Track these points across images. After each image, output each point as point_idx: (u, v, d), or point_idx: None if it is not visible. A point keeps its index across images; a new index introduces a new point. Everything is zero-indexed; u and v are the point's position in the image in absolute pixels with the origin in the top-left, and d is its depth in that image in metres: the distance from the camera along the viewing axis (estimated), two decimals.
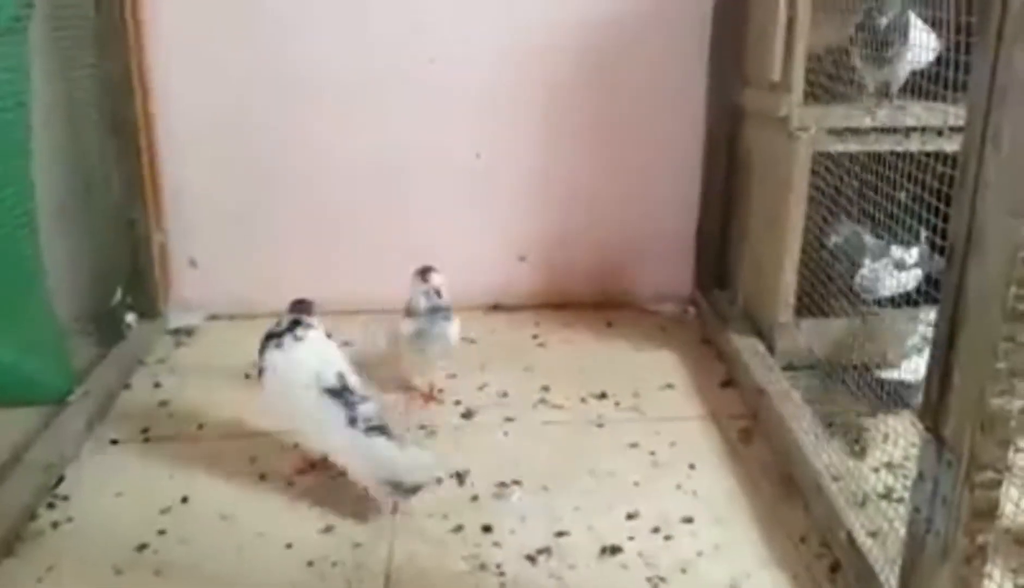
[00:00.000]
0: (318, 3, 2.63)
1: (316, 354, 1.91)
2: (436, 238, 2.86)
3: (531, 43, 2.70)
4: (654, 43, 2.72)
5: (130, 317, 2.60)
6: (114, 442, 2.10)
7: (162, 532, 1.76)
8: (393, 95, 2.71)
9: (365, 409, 1.82)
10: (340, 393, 1.83)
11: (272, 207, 2.80)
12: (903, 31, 2.03)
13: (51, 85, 2.29)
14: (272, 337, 1.94)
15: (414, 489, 1.78)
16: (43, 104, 2.20)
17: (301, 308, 1.99)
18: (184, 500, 1.87)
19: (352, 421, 1.79)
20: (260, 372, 1.93)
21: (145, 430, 2.16)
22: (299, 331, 1.92)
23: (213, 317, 2.83)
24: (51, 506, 1.84)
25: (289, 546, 1.72)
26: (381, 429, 1.80)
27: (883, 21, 2.03)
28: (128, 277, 2.63)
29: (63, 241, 2.33)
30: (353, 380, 1.89)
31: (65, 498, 1.87)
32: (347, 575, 1.64)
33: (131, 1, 2.50)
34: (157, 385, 2.40)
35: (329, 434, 1.83)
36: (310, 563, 1.67)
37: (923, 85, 1.93)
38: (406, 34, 2.67)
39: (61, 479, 1.93)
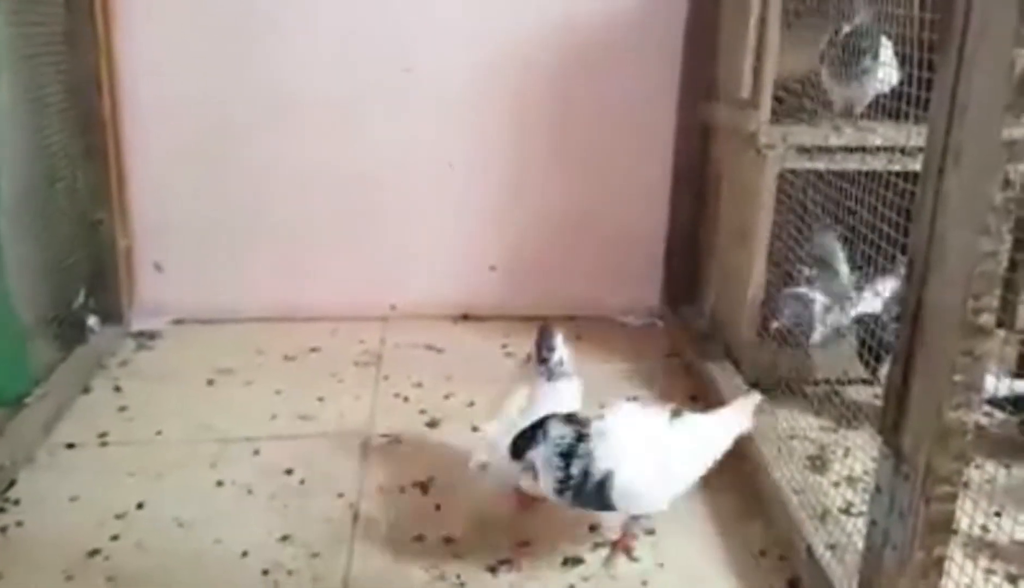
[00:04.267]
0: (292, 9, 2.62)
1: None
2: (407, 246, 2.86)
3: (505, 56, 2.71)
4: (627, 58, 2.74)
5: (92, 320, 2.55)
6: (70, 446, 2.06)
7: (115, 538, 1.72)
8: (367, 103, 2.71)
9: None
10: None
11: (241, 213, 2.77)
12: (874, 50, 2.06)
13: (17, 81, 2.25)
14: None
15: None
16: (7, 100, 2.17)
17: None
18: (140, 506, 1.83)
19: None
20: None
21: (103, 434, 2.11)
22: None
23: (178, 321, 2.79)
24: (1, 510, 1.80)
25: (245, 554, 1.68)
26: None
27: (847, 29, 2.06)
28: (92, 279, 2.59)
29: (25, 241, 2.29)
30: None
31: (16, 502, 1.83)
32: (303, 585, 1.61)
33: (102, 8, 2.47)
34: (117, 389, 2.36)
35: None
36: (265, 571, 1.63)
37: (888, 105, 1.96)
38: (381, 44, 2.67)
39: (13, 483, 1.89)
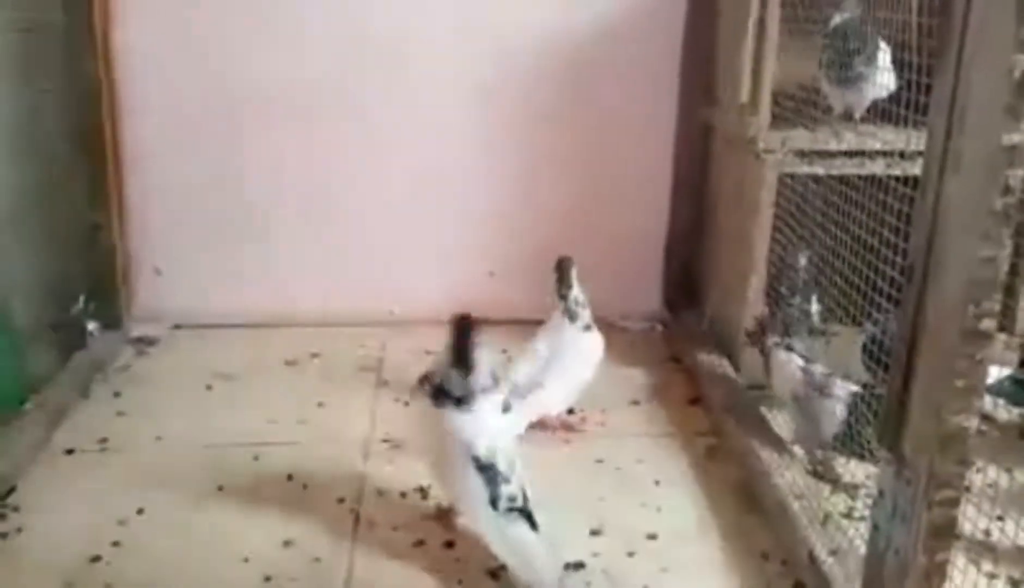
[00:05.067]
0: (291, 16, 2.62)
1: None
2: (405, 251, 2.85)
3: (504, 62, 2.72)
4: (626, 63, 2.75)
5: (92, 325, 2.55)
6: (70, 452, 2.06)
7: (116, 544, 1.72)
8: (364, 108, 2.71)
9: (509, 489, 1.62)
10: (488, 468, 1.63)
11: (239, 219, 2.77)
12: (869, 54, 2.06)
13: (15, 90, 2.25)
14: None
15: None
16: (6, 108, 2.16)
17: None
18: (140, 511, 1.82)
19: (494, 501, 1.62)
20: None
21: (103, 440, 2.11)
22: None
23: (177, 327, 2.79)
24: (1, 517, 1.79)
25: (246, 560, 1.68)
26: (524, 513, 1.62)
27: (838, 20, 2.05)
28: (91, 285, 2.59)
29: (24, 247, 2.29)
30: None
31: (16, 509, 1.82)
32: None
33: (100, 10, 2.48)
34: (117, 395, 2.36)
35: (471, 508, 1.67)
36: (267, 578, 1.63)
37: (888, 109, 1.96)
38: (381, 49, 2.67)
39: (13, 489, 1.88)
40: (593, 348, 2.16)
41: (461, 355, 1.70)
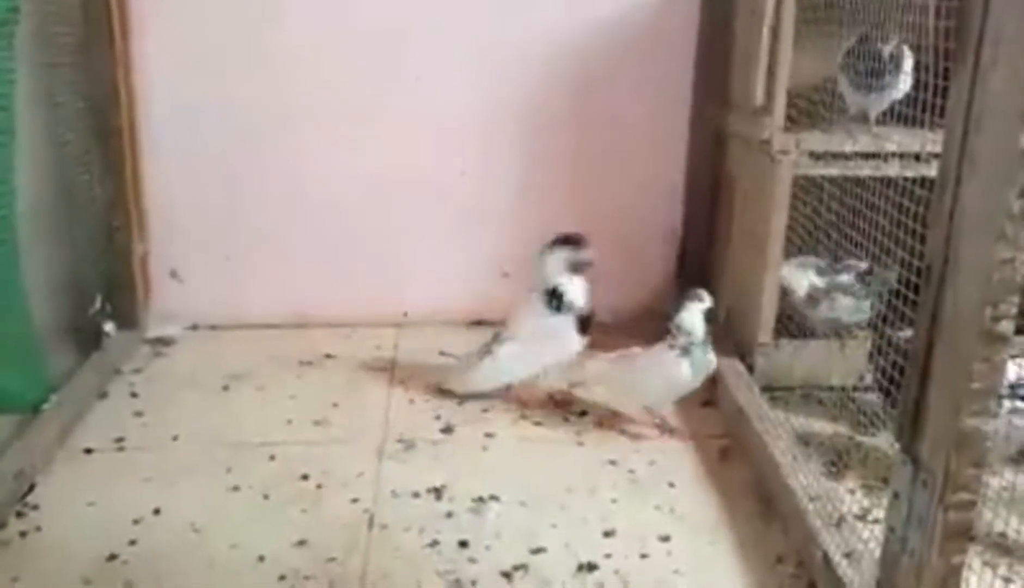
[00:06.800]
0: (302, 19, 2.64)
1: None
2: (420, 253, 2.87)
3: (517, 63, 2.72)
4: (640, 65, 2.75)
5: (109, 326, 2.57)
6: (88, 451, 2.08)
7: (133, 543, 1.74)
8: (378, 112, 2.72)
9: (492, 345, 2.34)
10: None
11: (255, 221, 2.79)
12: (899, 61, 2.06)
13: (36, 91, 2.27)
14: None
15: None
16: (27, 109, 2.19)
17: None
18: (156, 511, 1.84)
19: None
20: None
21: (120, 440, 2.13)
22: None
23: (193, 327, 2.81)
24: (20, 515, 1.81)
25: (262, 559, 1.69)
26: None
27: (886, 49, 2.04)
28: (108, 286, 2.61)
29: (43, 248, 2.31)
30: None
31: (35, 507, 1.84)
32: None
33: (119, 11, 2.50)
34: (133, 395, 2.38)
35: None
36: (282, 577, 1.64)
37: (901, 110, 1.96)
38: (391, 52, 2.69)
39: (32, 488, 1.90)
40: (662, 366, 2.19)
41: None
